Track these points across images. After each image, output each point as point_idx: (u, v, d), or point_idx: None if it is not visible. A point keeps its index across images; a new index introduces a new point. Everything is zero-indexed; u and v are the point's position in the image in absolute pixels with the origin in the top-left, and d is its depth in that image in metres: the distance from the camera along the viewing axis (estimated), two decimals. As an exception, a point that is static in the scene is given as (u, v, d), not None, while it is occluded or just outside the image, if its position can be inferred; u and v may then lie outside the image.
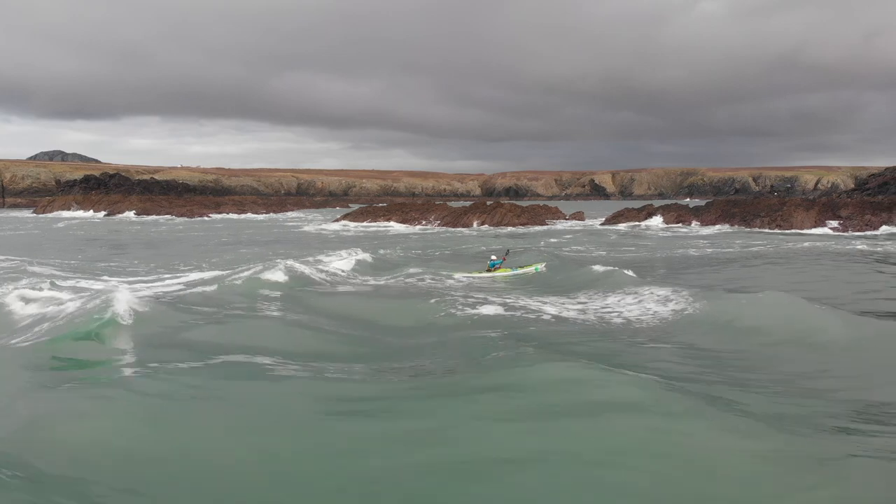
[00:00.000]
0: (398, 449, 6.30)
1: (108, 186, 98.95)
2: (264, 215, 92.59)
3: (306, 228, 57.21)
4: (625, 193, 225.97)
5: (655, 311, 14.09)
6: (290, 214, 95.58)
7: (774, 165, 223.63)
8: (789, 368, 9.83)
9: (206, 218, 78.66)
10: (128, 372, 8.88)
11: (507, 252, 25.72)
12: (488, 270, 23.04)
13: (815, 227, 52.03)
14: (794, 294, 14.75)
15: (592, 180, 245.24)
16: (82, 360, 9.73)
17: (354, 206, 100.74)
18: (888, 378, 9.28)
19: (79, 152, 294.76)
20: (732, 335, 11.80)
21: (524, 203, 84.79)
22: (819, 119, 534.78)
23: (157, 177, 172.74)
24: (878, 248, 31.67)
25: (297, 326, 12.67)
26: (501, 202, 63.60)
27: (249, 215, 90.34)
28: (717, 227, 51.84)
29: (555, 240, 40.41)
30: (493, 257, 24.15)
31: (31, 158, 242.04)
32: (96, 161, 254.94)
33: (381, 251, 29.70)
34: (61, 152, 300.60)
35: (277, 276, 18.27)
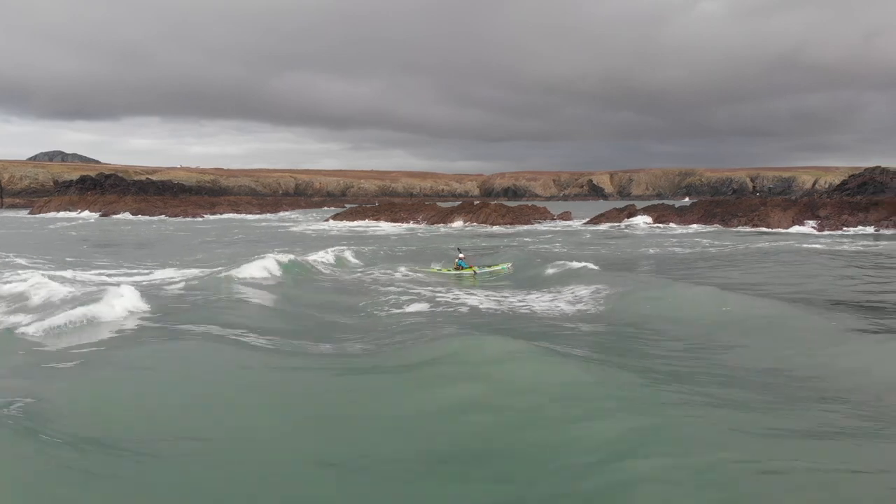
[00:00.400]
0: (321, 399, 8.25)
1: (103, 187, 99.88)
2: (258, 215, 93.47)
3: (294, 229, 58.09)
4: (623, 194, 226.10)
5: (568, 305, 15.35)
6: (282, 214, 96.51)
7: (772, 166, 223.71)
8: (670, 341, 11.49)
9: (199, 218, 79.58)
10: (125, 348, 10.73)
11: (459, 250, 26.30)
12: (455, 269, 23.72)
13: (791, 226, 52.88)
14: (710, 286, 15.81)
15: (590, 181, 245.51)
16: (83, 342, 11.29)
17: (349, 207, 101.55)
18: (743, 344, 11.22)
19: (79, 153, 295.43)
20: (628, 321, 13.14)
21: (514, 204, 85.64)
22: (819, 119, 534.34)
23: (155, 177, 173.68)
24: (838, 247, 32.56)
25: (255, 313, 13.80)
26: (488, 202, 64.55)
27: (243, 215, 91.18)
28: (696, 226, 52.70)
29: (529, 239, 41.35)
30: (461, 256, 25.04)
31: (30, 159, 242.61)
32: (96, 161, 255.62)
33: (357, 249, 30.62)
34: (61, 153, 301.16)
35: (249, 271, 19.33)
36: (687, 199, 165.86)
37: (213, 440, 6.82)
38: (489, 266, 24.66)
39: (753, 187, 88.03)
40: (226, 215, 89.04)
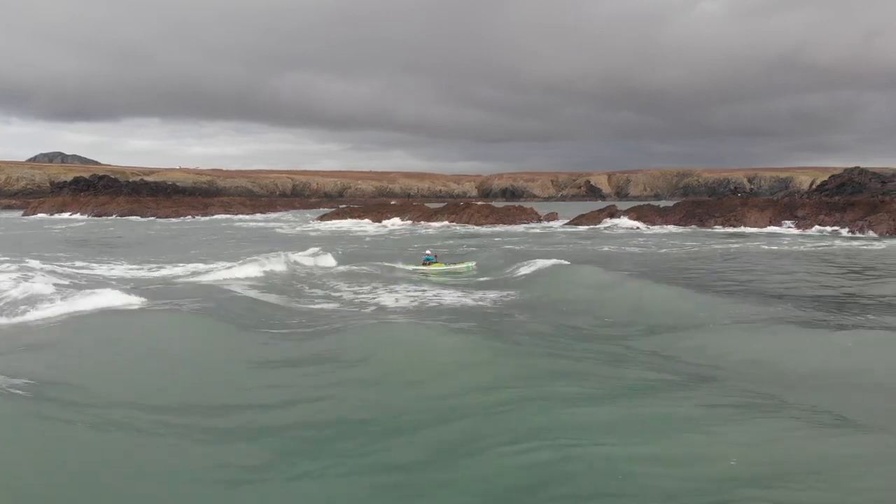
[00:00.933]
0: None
1: (97, 188, 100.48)
2: (248, 216, 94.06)
3: (280, 230, 58.53)
4: (621, 194, 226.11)
5: (499, 295, 16.02)
6: (273, 215, 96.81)
7: (771, 166, 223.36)
8: (558, 315, 13.08)
9: (188, 219, 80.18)
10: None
11: (430, 252, 26.99)
12: (423, 265, 24.53)
13: (768, 226, 53.41)
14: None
15: (588, 181, 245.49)
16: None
17: (340, 207, 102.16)
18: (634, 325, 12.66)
19: (79, 154, 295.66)
20: (544, 306, 14.05)
21: (502, 204, 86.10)
22: (819, 119, 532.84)
23: (151, 178, 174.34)
24: (798, 247, 33.15)
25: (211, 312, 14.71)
26: (473, 203, 65.04)
27: (235, 216, 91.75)
28: (671, 227, 53.24)
29: (499, 239, 41.94)
30: (428, 252, 25.43)
31: (30, 160, 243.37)
32: (96, 163, 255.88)
33: (332, 249, 31.24)
34: (61, 154, 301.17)
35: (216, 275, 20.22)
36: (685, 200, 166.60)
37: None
38: (454, 265, 25.27)
39: (734, 188, 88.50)
40: (217, 216, 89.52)
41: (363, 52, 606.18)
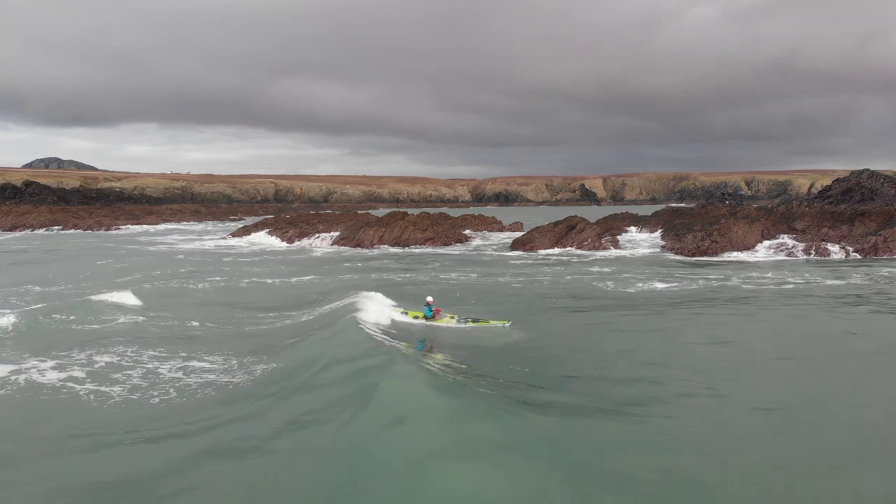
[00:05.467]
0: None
1: (23, 196, 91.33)
2: (187, 225, 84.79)
3: (161, 246, 49.28)
4: (616, 198, 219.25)
5: None
6: (199, 226, 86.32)
7: (768, 170, 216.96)
8: None
9: (104, 231, 70.68)
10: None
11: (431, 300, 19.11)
12: (425, 318, 18.17)
13: (759, 243, 43.23)
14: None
15: (583, 185, 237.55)
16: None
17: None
18: None
19: (77, 159, 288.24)
20: None
21: (459, 213, 76.33)
22: (816, 123, 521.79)
23: (123, 184, 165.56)
24: (804, 301, 22.98)
25: None
26: (407, 213, 55.19)
27: (164, 226, 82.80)
28: (641, 249, 42.93)
29: (388, 264, 31.97)
30: (430, 300, 18.51)
31: (26, 166, 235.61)
32: (93, 168, 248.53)
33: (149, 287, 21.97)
34: (57, 159, 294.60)
35: None
36: (682, 203, 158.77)
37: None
38: (479, 321, 17.73)
39: (721, 193, 78.52)
40: (146, 226, 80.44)
41: (362, 58, 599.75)
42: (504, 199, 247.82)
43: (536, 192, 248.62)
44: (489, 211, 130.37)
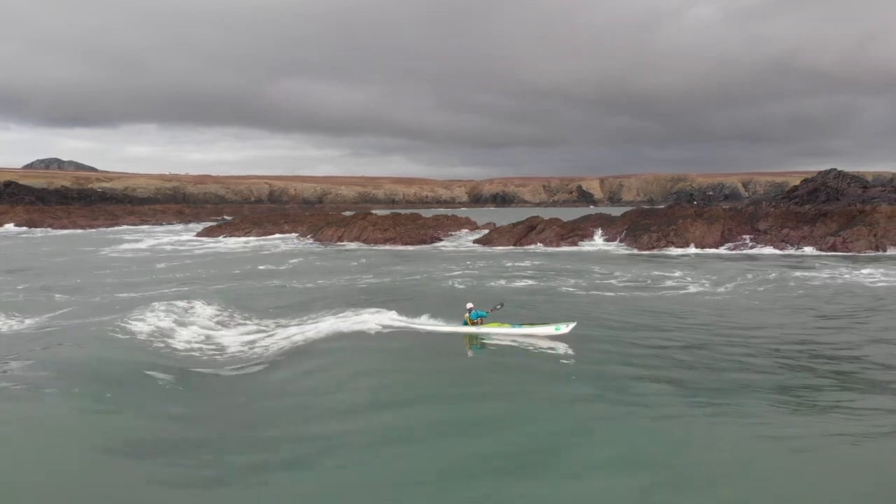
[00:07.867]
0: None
1: (2, 196, 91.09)
2: (162, 227, 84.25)
3: (125, 245, 48.63)
4: (613, 200, 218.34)
5: None
6: (178, 227, 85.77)
7: (766, 171, 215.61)
8: None
9: (78, 231, 70.25)
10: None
11: (500, 306, 17.84)
12: (470, 323, 16.70)
13: (721, 243, 42.36)
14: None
15: (580, 186, 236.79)
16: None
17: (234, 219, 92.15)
18: None
19: (77, 160, 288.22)
20: None
21: (431, 213, 75.57)
22: (816, 123, 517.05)
23: (115, 184, 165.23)
24: (692, 288, 22.07)
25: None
26: (368, 213, 54.47)
27: (159, 226, 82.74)
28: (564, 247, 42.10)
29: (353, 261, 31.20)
30: (470, 306, 16.99)
31: (26, 167, 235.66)
32: (93, 169, 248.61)
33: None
34: (58, 160, 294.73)
35: None
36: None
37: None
38: (530, 324, 16.53)
39: (690, 195, 77.70)
40: (124, 226, 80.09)
41: (362, 58, 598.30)
42: (501, 200, 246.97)
43: (534, 194, 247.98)
44: (486, 212, 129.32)
